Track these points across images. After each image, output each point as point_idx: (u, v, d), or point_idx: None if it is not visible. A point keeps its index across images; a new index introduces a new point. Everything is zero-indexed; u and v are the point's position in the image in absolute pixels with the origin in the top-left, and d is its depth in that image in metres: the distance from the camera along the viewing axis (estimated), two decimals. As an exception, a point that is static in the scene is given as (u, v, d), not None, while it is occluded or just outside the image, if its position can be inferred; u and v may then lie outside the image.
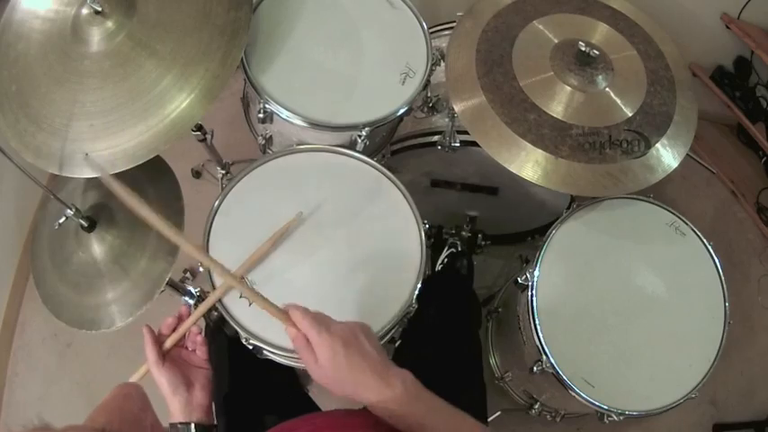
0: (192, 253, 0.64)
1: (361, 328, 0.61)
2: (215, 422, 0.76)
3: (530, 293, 1.03)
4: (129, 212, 0.96)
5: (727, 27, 1.64)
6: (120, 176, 0.84)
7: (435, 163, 1.32)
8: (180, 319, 0.77)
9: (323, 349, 0.57)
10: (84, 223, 0.93)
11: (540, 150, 0.96)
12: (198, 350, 0.78)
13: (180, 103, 0.85)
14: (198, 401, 0.73)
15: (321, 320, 0.60)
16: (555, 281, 1.04)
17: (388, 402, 0.58)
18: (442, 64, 1.12)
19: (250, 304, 0.87)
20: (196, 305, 0.96)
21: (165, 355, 0.74)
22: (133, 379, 0.76)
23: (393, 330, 0.91)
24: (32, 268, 1.03)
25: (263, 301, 0.63)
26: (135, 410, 0.71)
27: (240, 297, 0.87)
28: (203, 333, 0.80)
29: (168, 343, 0.75)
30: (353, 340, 0.59)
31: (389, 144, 1.28)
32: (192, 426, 0.70)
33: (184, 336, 0.77)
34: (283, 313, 0.61)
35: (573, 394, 0.97)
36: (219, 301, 0.86)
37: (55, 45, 0.88)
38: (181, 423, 0.70)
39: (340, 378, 0.58)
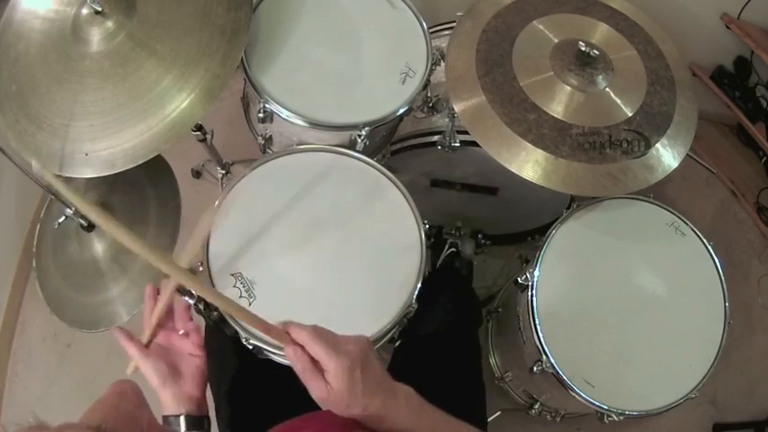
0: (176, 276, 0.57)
1: (368, 344, 0.58)
2: (207, 413, 0.74)
3: (530, 293, 1.03)
4: (129, 210, 0.97)
5: (727, 27, 1.64)
6: (121, 176, 0.85)
7: (435, 163, 1.32)
8: (151, 299, 0.72)
9: (340, 378, 0.52)
10: (84, 222, 0.93)
11: (540, 150, 0.96)
12: (191, 336, 0.75)
13: (180, 103, 0.85)
14: (187, 392, 0.71)
15: (332, 343, 0.54)
16: (555, 281, 1.04)
17: (391, 419, 0.57)
18: (442, 64, 1.12)
19: (249, 304, 0.87)
20: (196, 305, 0.96)
21: (149, 347, 0.71)
22: (127, 372, 0.75)
23: (393, 331, 0.91)
24: (37, 269, 1.04)
25: (257, 320, 0.57)
26: (130, 408, 0.70)
27: (240, 297, 0.87)
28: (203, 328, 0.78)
29: (145, 339, 0.72)
30: (366, 362, 0.55)
31: (389, 144, 1.28)
32: (182, 417, 0.69)
33: (161, 324, 0.72)
34: (282, 333, 0.56)
35: (573, 394, 0.97)
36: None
37: (55, 45, 0.88)
38: (172, 415, 0.69)
39: (353, 403, 0.54)
